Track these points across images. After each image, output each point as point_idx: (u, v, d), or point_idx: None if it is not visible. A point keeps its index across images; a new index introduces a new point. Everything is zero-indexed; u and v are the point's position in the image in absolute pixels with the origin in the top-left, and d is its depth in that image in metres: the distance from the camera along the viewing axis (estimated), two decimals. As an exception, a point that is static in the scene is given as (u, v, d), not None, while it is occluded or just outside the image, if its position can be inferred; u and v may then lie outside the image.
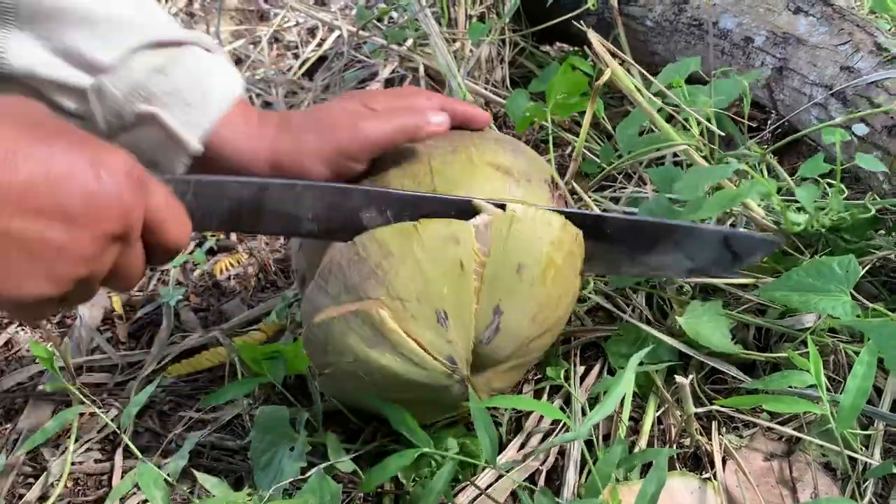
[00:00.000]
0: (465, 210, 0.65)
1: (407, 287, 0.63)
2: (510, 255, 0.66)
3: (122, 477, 0.79)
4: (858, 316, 0.67)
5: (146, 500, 0.75)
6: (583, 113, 1.05)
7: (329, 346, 0.66)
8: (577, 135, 1.16)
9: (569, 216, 0.69)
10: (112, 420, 0.83)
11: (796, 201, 0.85)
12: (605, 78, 0.85)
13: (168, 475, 0.74)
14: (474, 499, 0.70)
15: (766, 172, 0.88)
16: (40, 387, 0.91)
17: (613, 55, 0.90)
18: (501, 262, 0.65)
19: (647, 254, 0.73)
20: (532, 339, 0.70)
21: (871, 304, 0.73)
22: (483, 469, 0.71)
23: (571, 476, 0.71)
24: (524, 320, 0.68)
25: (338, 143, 0.66)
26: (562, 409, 0.79)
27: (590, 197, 1.03)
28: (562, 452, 0.75)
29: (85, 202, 0.48)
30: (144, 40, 0.64)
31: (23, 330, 1.02)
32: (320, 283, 0.66)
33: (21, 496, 0.78)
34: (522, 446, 0.75)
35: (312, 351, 0.69)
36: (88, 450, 0.83)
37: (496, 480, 0.70)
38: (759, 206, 0.85)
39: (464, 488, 0.70)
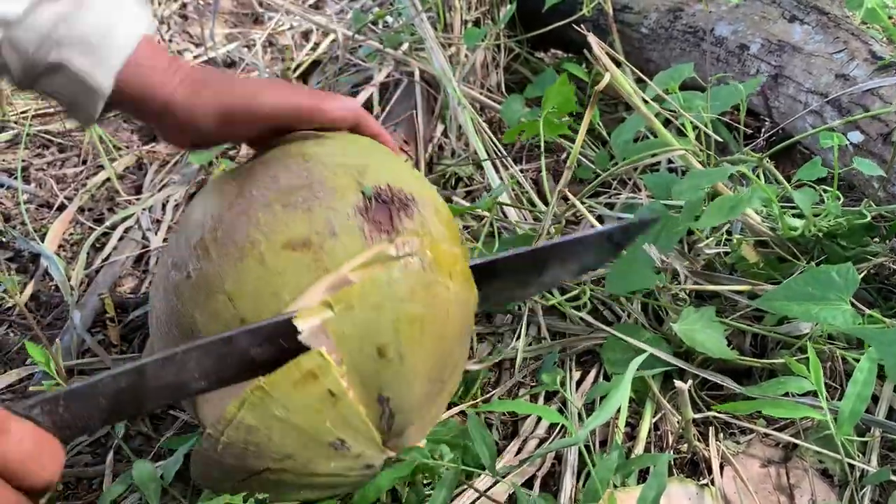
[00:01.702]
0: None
1: (286, 445, 0.60)
2: (364, 345, 0.60)
3: (113, 480, 0.78)
4: (859, 324, 0.67)
5: (137, 505, 0.75)
6: (577, 122, 1.06)
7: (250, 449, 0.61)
8: (571, 140, 1.16)
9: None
10: (103, 423, 0.82)
11: (792, 207, 0.86)
12: (604, 82, 0.85)
13: (162, 478, 0.73)
14: (472, 502, 0.69)
15: (762, 178, 0.89)
16: (30, 389, 0.90)
17: (612, 60, 0.90)
18: (359, 358, 0.60)
19: (540, 276, 0.74)
20: (436, 386, 0.66)
21: (867, 311, 0.73)
22: (479, 474, 0.70)
23: (568, 481, 0.71)
24: (416, 387, 0.63)
25: (231, 103, 0.67)
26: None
27: (584, 203, 1.03)
28: (558, 458, 0.75)
29: None
30: None
31: (12, 332, 1.01)
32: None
33: (10, 500, 0.77)
34: (519, 451, 0.75)
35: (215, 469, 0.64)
36: (79, 453, 0.82)
37: (493, 485, 0.69)
38: (756, 212, 0.86)
39: (462, 491, 0.70)
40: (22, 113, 1.43)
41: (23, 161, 1.30)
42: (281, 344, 0.59)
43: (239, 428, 0.59)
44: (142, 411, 0.62)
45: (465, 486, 0.69)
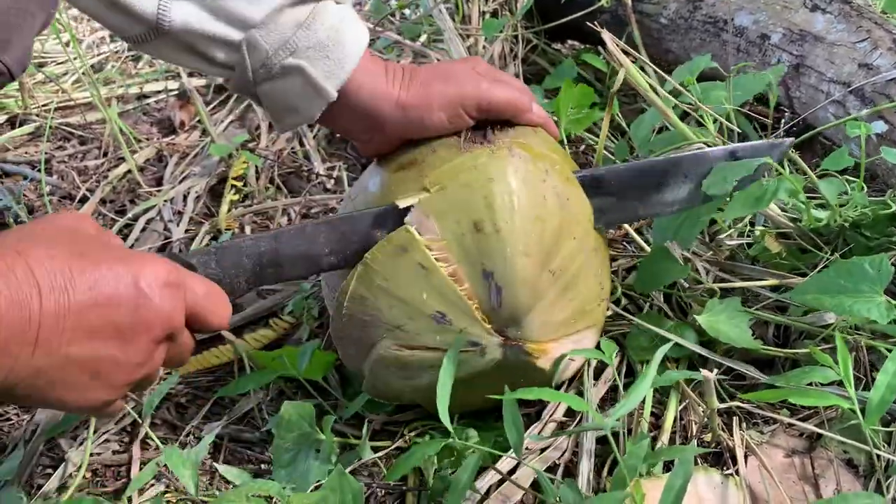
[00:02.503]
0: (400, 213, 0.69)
1: (394, 316, 0.68)
2: (460, 220, 0.67)
3: (140, 468, 0.78)
4: (894, 317, 0.66)
5: (165, 492, 0.75)
6: (600, 108, 1.06)
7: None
8: (591, 131, 1.16)
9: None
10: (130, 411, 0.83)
11: (815, 198, 0.85)
12: (619, 80, 0.85)
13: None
14: (495, 484, 0.69)
15: (786, 168, 0.88)
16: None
17: (627, 54, 0.90)
18: (457, 233, 0.67)
19: (660, 193, 0.77)
20: (545, 263, 0.69)
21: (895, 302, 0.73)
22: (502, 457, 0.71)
23: (585, 467, 0.71)
24: (518, 262, 0.67)
25: (462, 94, 0.72)
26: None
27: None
28: (580, 446, 0.75)
29: (132, 318, 0.54)
30: None
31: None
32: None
33: (40, 486, 0.78)
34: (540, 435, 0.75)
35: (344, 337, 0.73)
36: (106, 441, 0.83)
37: (516, 467, 0.70)
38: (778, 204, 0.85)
39: (484, 472, 0.70)
40: (44, 106, 1.44)
41: (45, 153, 1.31)
42: (391, 227, 0.69)
43: (354, 299, 0.69)
44: (282, 277, 0.70)
45: (488, 467, 0.70)
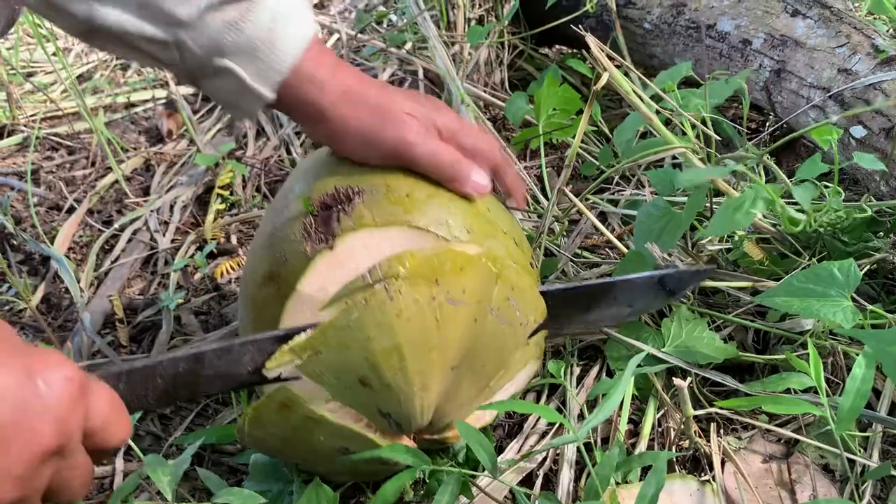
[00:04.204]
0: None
1: (297, 451, 0.67)
2: (342, 378, 0.62)
3: (123, 480, 0.79)
4: (860, 320, 0.67)
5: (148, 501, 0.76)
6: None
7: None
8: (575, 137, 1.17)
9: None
10: (113, 424, 0.83)
11: (794, 204, 0.86)
12: (601, 83, 0.85)
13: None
14: (473, 499, 0.70)
15: (763, 174, 0.89)
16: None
17: (611, 58, 0.90)
18: (340, 388, 0.62)
19: (587, 313, 0.76)
20: (445, 372, 0.64)
21: (869, 306, 0.73)
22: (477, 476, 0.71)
23: (566, 478, 0.71)
24: (416, 400, 0.63)
25: (381, 141, 0.69)
26: (559, 410, 0.79)
27: (588, 200, 1.03)
28: (561, 455, 0.75)
29: (16, 416, 0.45)
30: None
31: (24, 334, 1.02)
32: None
33: (23, 500, 0.78)
34: (521, 449, 0.76)
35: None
36: (90, 453, 0.83)
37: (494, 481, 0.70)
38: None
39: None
40: (31, 116, 1.44)
41: (32, 164, 1.32)
42: None
43: (252, 436, 0.65)
44: (195, 397, 0.67)
45: (470, 482, 0.70)
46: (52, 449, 0.47)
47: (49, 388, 0.46)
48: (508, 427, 0.80)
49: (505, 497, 0.71)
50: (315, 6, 1.82)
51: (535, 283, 0.72)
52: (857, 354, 0.67)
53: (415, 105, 0.72)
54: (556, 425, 0.77)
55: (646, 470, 0.71)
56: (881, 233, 0.85)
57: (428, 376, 0.63)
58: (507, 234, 0.72)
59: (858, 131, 0.90)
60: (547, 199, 1.08)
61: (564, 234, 0.97)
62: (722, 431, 0.75)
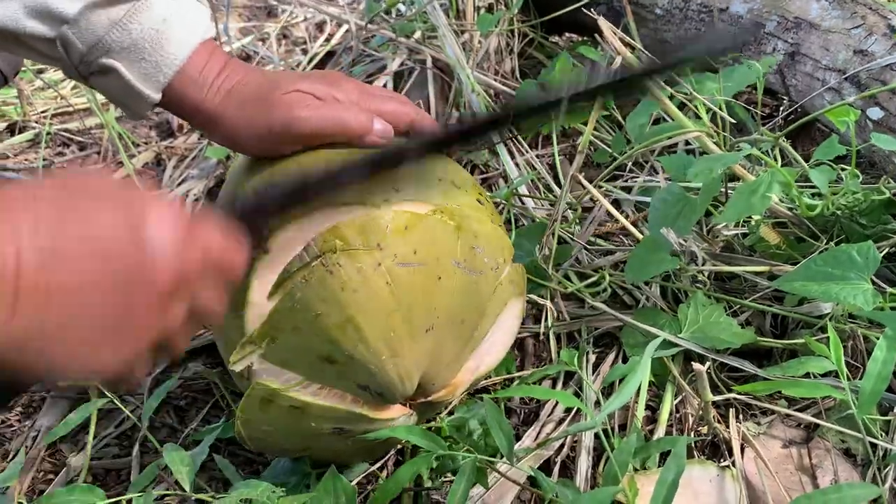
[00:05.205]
0: None
1: (295, 442, 0.68)
2: (307, 360, 0.62)
3: (140, 472, 0.79)
4: (880, 303, 0.66)
5: (164, 496, 0.76)
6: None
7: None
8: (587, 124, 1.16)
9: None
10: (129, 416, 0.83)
11: (811, 187, 0.85)
12: (616, 64, 0.84)
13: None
14: (493, 484, 0.69)
15: (779, 158, 0.88)
16: (60, 383, 0.91)
17: (624, 43, 0.90)
18: (311, 369, 0.63)
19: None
20: (417, 335, 0.64)
21: (889, 289, 0.72)
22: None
23: (583, 464, 0.71)
24: (389, 366, 0.63)
25: (271, 127, 0.68)
26: (576, 396, 0.78)
27: (601, 187, 1.03)
28: (578, 442, 0.75)
29: (132, 272, 0.47)
30: None
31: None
32: None
33: (42, 492, 0.78)
34: (538, 435, 0.75)
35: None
36: (106, 445, 0.84)
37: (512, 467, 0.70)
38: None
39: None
40: (42, 112, 1.45)
41: (44, 160, 1.32)
42: None
43: (251, 438, 0.66)
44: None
45: (487, 468, 0.70)
46: (173, 290, 0.49)
47: (157, 236, 0.47)
48: (524, 414, 0.80)
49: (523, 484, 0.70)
50: (323, -2, 1.81)
51: (497, 221, 0.71)
52: (878, 337, 0.66)
53: (308, 82, 0.70)
54: (573, 413, 0.77)
55: (664, 456, 0.70)
56: (899, 215, 0.84)
57: (396, 342, 0.62)
58: (446, 182, 0.69)
59: (875, 113, 0.89)
60: (560, 186, 1.07)
61: (577, 221, 0.96)
62: (741, 417, 0.75)
